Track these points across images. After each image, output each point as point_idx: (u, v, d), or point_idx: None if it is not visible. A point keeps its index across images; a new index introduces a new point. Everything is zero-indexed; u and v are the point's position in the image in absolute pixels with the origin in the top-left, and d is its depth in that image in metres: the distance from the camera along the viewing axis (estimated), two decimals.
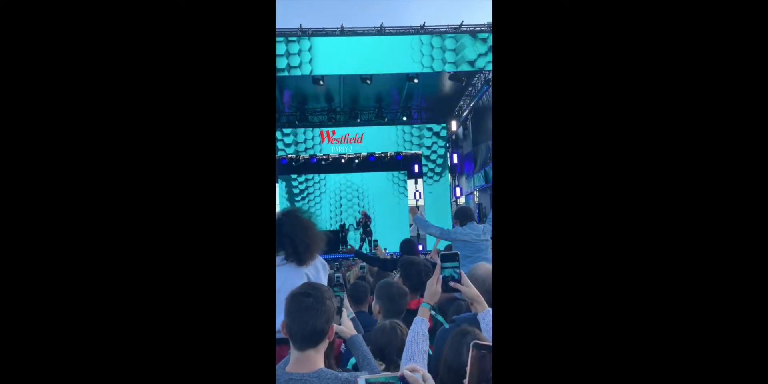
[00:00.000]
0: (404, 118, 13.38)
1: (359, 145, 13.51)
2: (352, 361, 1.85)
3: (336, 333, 1.58)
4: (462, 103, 12.78)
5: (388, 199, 13.83)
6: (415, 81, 10.42)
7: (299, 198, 13.67)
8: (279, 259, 2.12)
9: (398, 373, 1.07)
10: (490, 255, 3.74)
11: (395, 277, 3.58)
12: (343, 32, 9.73)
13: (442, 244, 4.63)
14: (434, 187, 13.70)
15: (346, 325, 1.77)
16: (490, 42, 9.31)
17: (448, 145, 13.78)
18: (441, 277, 1.62)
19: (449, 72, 10.09)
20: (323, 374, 1.41)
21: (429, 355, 1.62)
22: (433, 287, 1.63)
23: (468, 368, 1.05)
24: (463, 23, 9.70)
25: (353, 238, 12.59)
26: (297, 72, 9.52)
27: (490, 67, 9.47)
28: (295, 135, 13.37)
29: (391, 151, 13.71)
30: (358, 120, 13.28)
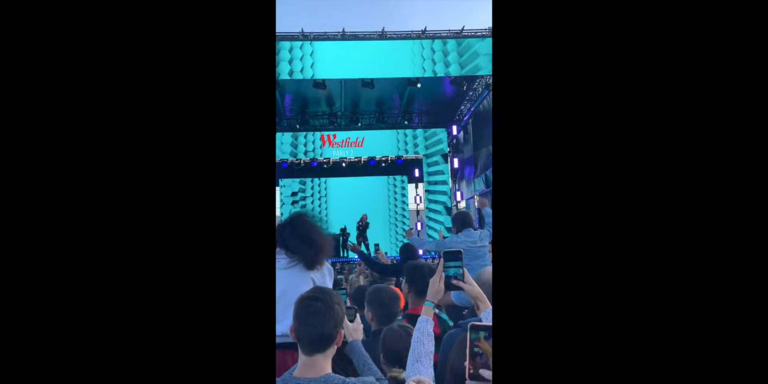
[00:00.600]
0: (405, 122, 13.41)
1: (360, 149, 13.52)
2: None
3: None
4: (463, 107, 12.79)
5: (388, 203, 13.81)
6: (419, 85, 10.42)
7: (299, 198, 13.65)
8: (285, 262, 2.09)
9: None
10: (487, 261, 3.68)
11: (393, 283, 3.56)
12: (344, 36, 9.74)
13: None
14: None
15: (357, 329, 1.74)
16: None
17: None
18: (444, 275, 1.61)
19: (450, 77, 10.12)
20: (330, 379, 1.40)
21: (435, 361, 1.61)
22: (436, 285, 1.62)
23: (467, 350, 1.08)
24: (465, 28, 9.73)
25: (353, 241, 12.58)
26: (299, 76, 9.53)
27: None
28: (296, 138, 13.39)
29: (392, 155, 13.73)
30: (359, 124, 13.29)
